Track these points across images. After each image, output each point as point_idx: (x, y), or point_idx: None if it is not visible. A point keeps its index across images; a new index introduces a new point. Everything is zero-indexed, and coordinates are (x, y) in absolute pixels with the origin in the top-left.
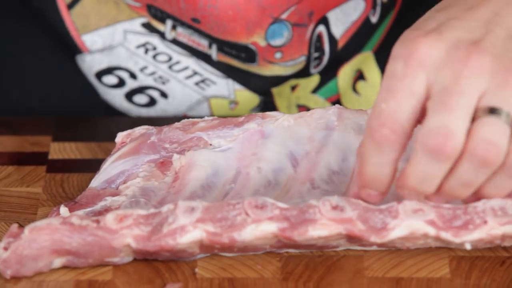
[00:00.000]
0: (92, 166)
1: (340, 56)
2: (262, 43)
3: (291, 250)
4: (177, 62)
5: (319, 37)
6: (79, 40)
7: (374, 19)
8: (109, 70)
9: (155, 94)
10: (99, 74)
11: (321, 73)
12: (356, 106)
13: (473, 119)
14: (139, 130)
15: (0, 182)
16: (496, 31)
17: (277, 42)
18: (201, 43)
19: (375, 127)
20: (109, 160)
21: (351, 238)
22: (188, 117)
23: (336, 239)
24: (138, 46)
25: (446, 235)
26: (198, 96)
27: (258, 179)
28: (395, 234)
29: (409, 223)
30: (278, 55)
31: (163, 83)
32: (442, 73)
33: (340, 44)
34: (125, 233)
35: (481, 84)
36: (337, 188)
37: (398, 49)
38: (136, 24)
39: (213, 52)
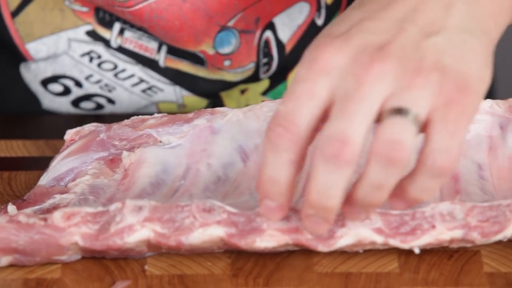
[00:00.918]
0: (40, 164)
1: (289, 60)
2: (210, 51)
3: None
4: (123, 70)
5: (267, 42)
6: (24, 49)
7: (319, 21)
8: (54, 79)
9: (102, 100)
10: (45, 82)
11: (271, 77)
12: None
13: (379, 122)
14: (88, 127)
15: None
16: (409, 29)
17: (226, 50)
18: (149, 47)
19: (271, 127)
20: (58, 157)
21: (298, 246)
22: (137, 114)
23: (283, 247)
24: (83, 55)
25: (394, 242)
26: (146, 102)
27: (208, 175)
28: (342, 242)
29: (356, 232)
30: (227, 62)
31: (109, 90)
32: (345, 79)
33: (288, 49)
34: (73, 231)
35: (383, 90)
36: None
37: (305, 55)
38: (80, 32)
39: (161, 57)
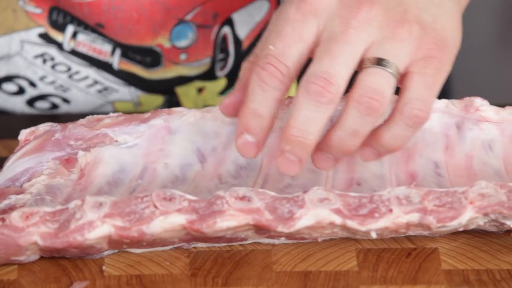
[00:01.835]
0: None
1: (246, 57)
2: (167, 44)
3: (199, 245)
4: (77, 72)
5: (224, 38)
6: None
7: None
8: (8, 78)
9: (57, 100)
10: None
11: (228, 76)
12: None
13: (360, 69)
14: (43, 127)
15: None
16: None
17: (182, 43)
18: (103, 51)
19: (261, 65)
20: (13, 158)
21: (259, 228)
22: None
23: (244, 230)
24: (36, 56)
25: (352, 224)
26: (101, 101)
27: (165, 174)
28: (302, 223)
29: (315, 212)
30: (183, 56)
31: (64, 91)
32: (333, 21)
33: (245, 45)
34: (32, 230)
35: (368, 35)
36: (244, 183)
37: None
38: (32, 34)
39: (115, 60)
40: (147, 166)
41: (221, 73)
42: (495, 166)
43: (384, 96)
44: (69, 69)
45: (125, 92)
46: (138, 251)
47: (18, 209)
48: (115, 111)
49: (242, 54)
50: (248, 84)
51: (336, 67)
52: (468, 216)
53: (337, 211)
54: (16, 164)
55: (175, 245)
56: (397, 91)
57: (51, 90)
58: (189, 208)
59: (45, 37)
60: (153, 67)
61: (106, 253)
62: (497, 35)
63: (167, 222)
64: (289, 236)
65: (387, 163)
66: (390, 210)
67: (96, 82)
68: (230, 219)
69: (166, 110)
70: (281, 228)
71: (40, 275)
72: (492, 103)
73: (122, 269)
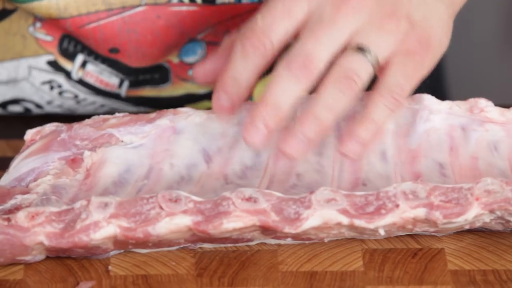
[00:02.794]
0: (1, 164)
1: None
2: (175, 60)
3: (205, 245)
4: (84, 99)
5: None
6: None
7: None
8: (14, 101)
9: (64, 120)
10: (4, 104)
11: None
12: None
13: (341, 54)
14: (49, 127)
15: None
16: None
17: (190, 59)
18: (110, 83)
19: (247, 35)
20: (18, 158)
21: (265, 229)
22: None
23: (251, 231)
24: (43, 83)
25: (360, 222)
26: None
27: (171, 175)
28: (309, 224)
29: (322, 213)
30: (191, 72)
31: (72, 112)
32: (324, 5)
33: None
34: (38, 230)
35: (355, 22)
36: (250, 183)
37: None
38: (41, 61)
39: (123, 91)
40: (153, 166)
41: None
42: (501, 167)
43: (359, 77)
44: (76, 96)
45: (133, 111)
46: (144, 251)
47: (24, 209)
48: None
49: None
50: (231, 51)
51: (318, 49)
52: (474, 213)
53: (344, 211)
54: (22, 164)
55: (181, 246)
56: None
57: (58, 111)
58: (194, 209)
59: (54, 64)
60: (161, 83)
61: (112, 253)
62: (501, 35)
63: (172, 223)
64: (295, 236)
65: (392, 164)
66: (397, 205)
67: (104, 105)
68: (236, 220)
69: (171, 110)
70: (288, 229)
71: (46, 275)
72: (497, 104)
73: (128, 269)
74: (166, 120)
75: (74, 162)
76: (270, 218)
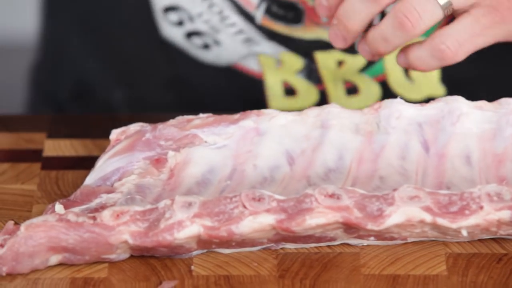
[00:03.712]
0: (87, 163)
1: None
2: (310, 2)
3: (288, 246)
4: (227, 17)
5: None
6: None
7: None
8: (172, 8)
9: (209, 40)
10: (166, 10)
11: None
12: (405, 90)
13: None
14: (134, 127)
15: None
16: None
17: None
18: (251, 1)
19: None
20: (104, 157)
21: (348, 226)
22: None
23: (334, 229)
24: None
25: (443, 221)
26: (247, 51)
27: (254, 176)
28: (392, 221)
29: (405, 210)
30: (325, 18)
31: (215, 32)
32: None
33: None
34: (122, 229)
35: None
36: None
37: None
38: None
39: (259, 14)
40: (235, 167)
41: None
42: None
43: (419, 19)
44: (221, 11)
45: (267, 46)
46: (227, 251)
47: (109, 208)
48: (259, 65)
49: None
50: None
51: None
52: None
53: (427, 209)
54: (107, 164)
55: (264, 246)
56: None
57: (205, 29)
58: (277, 208)
59: None
60: (294, 23)
61: (195, 252)
62: None
63: (256, 222)
64: (378, 235)
65: (477, 168)
66: (481, 207)
67: (241, 31)
68: (319, 217)
69: (255, 111)
70: (370, 226)
71: (130, 273)
72: None
73: (211, 269)
74: (250, 121)
75: (158, 162)
76: (353, 215)
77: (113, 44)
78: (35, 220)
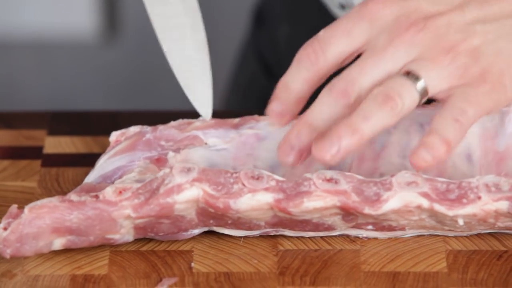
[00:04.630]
0: (87, 160)
1: None
2: None
3: (286, 233)
4: None
5: None
6: None
7: None
8: None
9: (346, 2)
10: None
11: None
12: None
13: None
14: (134, 128)
15: None
16: (468, 9)
17: None
18: None
19: (305, 46)
20: (104, 157)
21: (345, 211)
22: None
23: (331, 214)
24: None
25: (440, 208)
26: None
27: None
28: (389, 206)
29: (402, 195)
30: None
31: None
32: (380, 35)
33: None
34: (125, 204)
35: (405, 56)
36: None
37: None
38: None
39: None
40: (236, 167)
41: None
42: None
43: (400, 98)
44: None
45: None
46: (226, 231)
47: (112, 184)
48: None
49: None
50: None
51: (362, 76)
52: None
53: (425, 195)
54: (108, 163)
55: (262, 230)
56: None
57: None
58: (276, 187)
59: None
60: None
61: (197, 231)
62: None
63: (254, 199)
64: (376, 223)
65: (478, 166)
66: (479, 197)
67: None
68: (317, 200)
69: (255, 116)
70: (368, 210)
71: (130, 270)
72: None
73: (211, 266)
74: (250, 126)
75: (159, 161)
76: (350, 199)
77: None
78: (38, 202)
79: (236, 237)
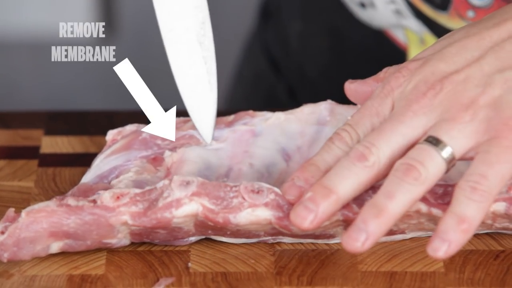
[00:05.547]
0: (84, 160)
1: None
2: None
3: (285, 240)
4: None
5: None
6: None
7: None
8: None
9: (366, 1)
10: None
11: None
12: None
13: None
14: (130, 127)
15: None
16: (486, 61)
17: (475, 1)
18: None
19: (337, 131)
20: (101, 156)
21: (348, 223)
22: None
23: (334, 226)
24: None
25: (437, 212)
26: (395, 22)
27: (251, 173)
28: None
29: None
30: (470, 13)
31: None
32: (400, 102)
33: None
34: (122, 210)
35: (428, 120)
36: None
37: (387, 73)
38: None
39: None
40: (232, 166)
41: None
42: None
43: (423, 167)
44: None
45: (413, 23)
46: (223, 239)
47: (109, 190)
48: (405, 37)
49: None
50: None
51: (380, 142)
52: None
53: (423, 199)
54: (104, 162)
55: (260, 238)
56: None
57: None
58: (276, 203)
59: None
60: (440, 9)
61: (192, 238)
62: None
63: (254, 215)
64: None
65: None
66: None
67: (393, 1)
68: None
69: (250, 112)
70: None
71: (127, 270)
72: None
73: (208, 266)
74: (244, 123)
75: (155, 160)
76: (352, 211)
77: None
78: (36, 206)
79: None
